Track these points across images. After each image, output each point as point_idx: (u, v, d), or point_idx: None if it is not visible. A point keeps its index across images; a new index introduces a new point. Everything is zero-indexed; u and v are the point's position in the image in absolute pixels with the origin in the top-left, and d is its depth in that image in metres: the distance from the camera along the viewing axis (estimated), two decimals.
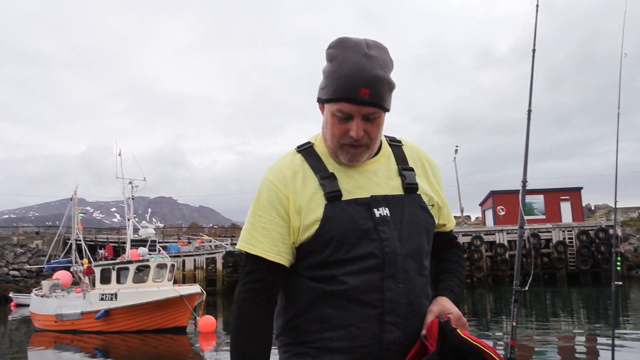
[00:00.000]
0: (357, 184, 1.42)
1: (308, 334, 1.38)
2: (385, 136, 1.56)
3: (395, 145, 1.55)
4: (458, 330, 1.29)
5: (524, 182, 3.33)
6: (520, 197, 3.31)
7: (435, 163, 1.60)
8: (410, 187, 1.46)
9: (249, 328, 1.35)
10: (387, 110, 1.39)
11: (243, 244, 1.43)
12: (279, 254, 1.40)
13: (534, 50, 3.66)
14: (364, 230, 1.36)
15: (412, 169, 1.49)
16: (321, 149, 1.47)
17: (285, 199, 1.41)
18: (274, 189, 1.42)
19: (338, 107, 1.35)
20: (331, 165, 1.44)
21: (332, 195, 1.38)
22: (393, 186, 1.45)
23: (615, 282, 4.21)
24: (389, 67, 1.37)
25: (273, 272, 1.40)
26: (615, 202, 4.80)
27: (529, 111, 3.47)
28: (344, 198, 1.39)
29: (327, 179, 1.41)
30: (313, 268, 1.39)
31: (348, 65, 1.32)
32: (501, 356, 1.28)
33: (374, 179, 1.44)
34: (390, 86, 1.36)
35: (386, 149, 1.52)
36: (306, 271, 1.40)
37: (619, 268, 4.31)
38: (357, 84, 1.31)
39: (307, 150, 1.48)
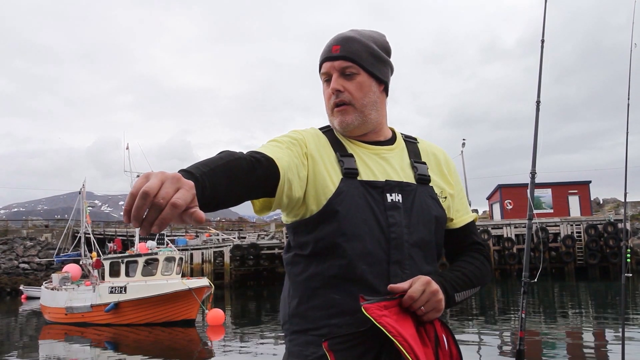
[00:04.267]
0: (372, 168, 1.44)
1: (314, 321, 1.37)
2: (402, 134, 1.59)
3: (411, 141, 1.57)
4: (363, 308, 1.22)
5: (533, 173, 3.32)
6: (529, 188, 3.30)
7: (451, 159, 1.62)
8: (423, 178, 1.47)
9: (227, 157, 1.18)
10: (366, 68, 1.44)
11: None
12: (282, 163, 1.28)
13: (542, 41, 3.63)
14: (373, 212, 1.37)
15: (424, 163, 1.51)
16: (338, 135, 1.51)
17: (305, 147, 1.41)
18: (296, 138, 1.43)
19: (321, 71, 1.48)
20: (350, 148, 1.46)
21: (349, 172, 1.39)
22: (406, 176, 1.46)
23: (626, 274, 4.20)
24: (372, 38, 1.47)
25: (272, 168, 1.26)
26: (625, 194, 4.77)
27: (538, 102, 3.45)
28: (359, 178, 1.40)
29: (345, 157, 1.43)
30: (317, 244, 1.37)
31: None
32: (405, 342, 1.20)
33: (388, 166, 1.46)
34: (370, 50, 1.45)
35: (400, 142, 1.55)
36: (311, 249, 1.39)
37: (629, 260, 4.29)
38: (329, 45, 1.46)
39: (328, 133, 1.50)
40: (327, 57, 1.45)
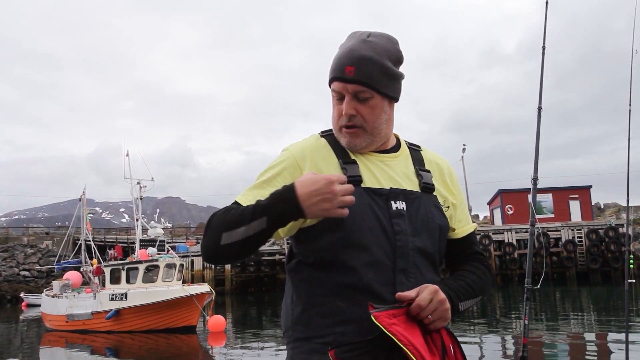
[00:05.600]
0: (377, 175, 1.42)
1: (318, 329, 1.36)
2: (406, 141, 1.58)
3: (414, 149, 1.56)
4: (372, 317, 1.21)
5: (535, 179, 3.31)
6: (531, 194, 3.30)
7: (454, 169, 1.61)
8: (427, 187, 1.46)
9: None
10: (380, 91, 1.39)
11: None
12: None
13: (543, 48, 3.63)
14: (378, 220, 1.35)
15: (428, 171, 1.51)
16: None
17: (300, 171, 1.40)
18: (292, 159, 1.42)
19: (332, 87, 1.43)
20: (353, 155, 1.45)
21: (353, 180, 1.37)
22: (411, 184, 1.45)
23: (629, 281, 4.18)
24: (387, 53, 1.40)
25: None
26: (628, 199, 4.76)
27: (539, 108, 3.45)
28: (363, 185, 1.39)
29: (349, 164, 1.41)
30: (322, 254, 1.36)
31: (343, 49, 1.41)
32: (415, 349, 1.20)
33: (393, 174, 1.45)
34: (385, 70, 1.39)
35: (405, 150, 1.54)
36: (315, 257, 1.38)
37: (632, 266, 4.27)
38: (343, 63, 1.38)
39: (330, 137, 1.49)
40: (340, 78, 1.39)
